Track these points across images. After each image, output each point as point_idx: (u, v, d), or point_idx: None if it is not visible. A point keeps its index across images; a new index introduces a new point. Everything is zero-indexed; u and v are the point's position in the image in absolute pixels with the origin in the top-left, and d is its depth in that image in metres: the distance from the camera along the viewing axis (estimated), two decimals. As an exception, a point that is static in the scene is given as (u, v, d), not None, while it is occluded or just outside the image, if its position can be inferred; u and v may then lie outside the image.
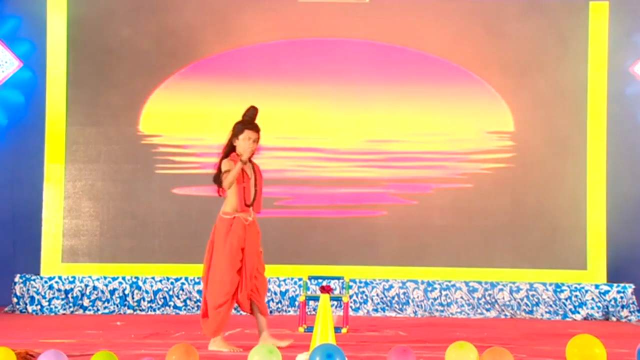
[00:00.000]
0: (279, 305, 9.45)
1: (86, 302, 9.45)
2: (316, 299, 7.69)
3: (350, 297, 9.32)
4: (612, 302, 9.43)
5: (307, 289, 8.45)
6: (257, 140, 6.13)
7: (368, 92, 9.87)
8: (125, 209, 9.80)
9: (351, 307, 9.27)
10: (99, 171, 9.83)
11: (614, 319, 9.40)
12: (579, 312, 9.44)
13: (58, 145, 9.79)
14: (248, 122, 6.17)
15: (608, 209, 9.73)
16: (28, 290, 9.45)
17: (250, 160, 6.20)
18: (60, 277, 9.49)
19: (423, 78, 9.92)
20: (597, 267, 9.66)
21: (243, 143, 6.11)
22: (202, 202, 9.78)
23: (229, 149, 6.19)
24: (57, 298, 9.42)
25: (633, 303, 9.44)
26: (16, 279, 9.51)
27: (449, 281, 9.56)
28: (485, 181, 9.85)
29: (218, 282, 6.07)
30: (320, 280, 9.09)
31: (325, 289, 6.07)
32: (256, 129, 6.14)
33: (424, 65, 9.91)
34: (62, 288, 9.45)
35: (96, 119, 9.85)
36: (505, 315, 9.47)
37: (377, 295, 9.50)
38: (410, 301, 9.49)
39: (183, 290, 9.49)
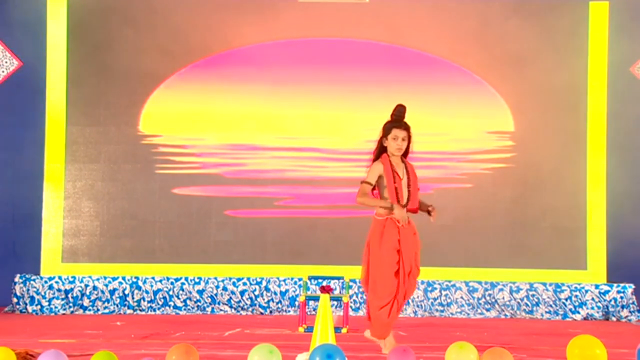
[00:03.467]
0: (279, 305, 9.45)
1: (86, 302, 9.45)
2: (316, 299, 7.69)
3: (350, 297, 9.32)
4: (612, 302, 9.43)
5: (307, 289, 8.45)
6: (406, 139, 6.01)
7: (368, 92, 9.87)
8: (125, 209, 9.80)
9: (351, 307, 9.27)
10: (99, 171, 9.83)
11: (614, 319, 9.40)
12: (579, 312, 9.44)
13: (58, 145, 9.79)
14: (396, 120, 6.03)
15: (608, 209, 9.73)
16: (28, 290, 9.45)
17: (403, 160, 6.08)
18: (60, 277, 9.49)
19: (423, 78, 9.92)
20: (597, 267, 9.65)
21: (392, 142, 6.02)
22: (202, 202, 9.79)
23: (380, 150, 6.11)
24: (57, 298, 9.42)
25: (633, 303, 9.44)
26: (16, 279, 9.51)
27: (449, 281, 9.55)
28: (485, 181, 9.85)
29: (379, 284, 5.92)
30: (320, 280, 9.10)
31: (325, 289, 6.08)
32: (404, 127, 6.01)
33: (424, 65, 9.91)
34: (62, 288, 9.45)
35: (96, 119, 9.85)
36: (505, 315, 9.47)
37: (377, 295, 9.49)
38: (410, 301, 9.49)
39: (183, 290, 9.49)
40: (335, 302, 8.81)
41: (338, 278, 8.35)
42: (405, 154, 6.10)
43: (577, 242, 9.71)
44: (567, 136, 9.84)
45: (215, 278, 9.52)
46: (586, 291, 9.48)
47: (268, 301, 9.46)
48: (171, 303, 9.47)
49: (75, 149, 9.83)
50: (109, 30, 9.87)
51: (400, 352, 4.64)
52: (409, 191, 6.03)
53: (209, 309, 9.45)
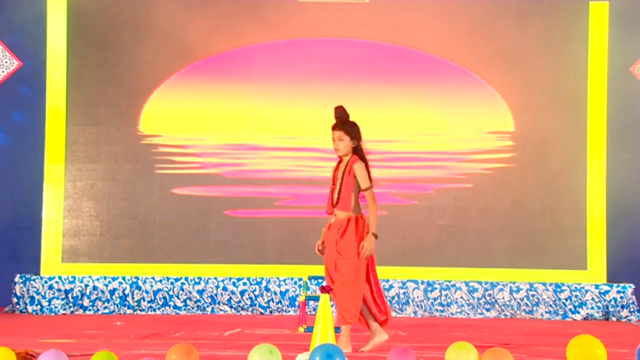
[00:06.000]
0: (279, 305, 9.45)
1: (86, 302, 9.45)
2: (316, 299, 7.69)
3: (350, 297, 9.30)
4: (612, 302, 9.43)
5: (307, 289, 8.45)
6: (342, 138, 6.18)
7: (368, 92, 9.87)
8: (125, 209, 9.80)
9: (351, 307, 9.25)
10: (99, 171, 9.83)
11: (614, 319, 9.40)
12: (579, 312, 9.44)
13: (58, 145, 9.79)
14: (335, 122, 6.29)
15: (608, 209, 9.73)
16: (28, 290, 9.44)
17: (359, 159, 6.21)
18: (60, 277, 9.49)
19: (423, 78, 9.92)
20: (597, 267, 9.65)
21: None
22: (202, 202, 9.79)
23: None
24: (57, 298, 9.42)
25: (633, 303, 9.44)
26: (16, 279, 9.50)
27: (449, 281, 9.55)
28: (485, 181, 9.84)
29: None
30: (320, 280, 9.09)
31: (325, 289, 6.07)
32: (336, 128, 6.23)
33: (424, 65, 9.91)
34: (62, 288, 9.45)
35: (96, 119, 9.85)
36: (505, 315, 9.47)
37: (377, 295, 9.49)
38: (410, 301, 9.49)
39: (183, 290, 9.49)
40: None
41: (338, 278, 8.33)
42: (356, 152, 6.24)
43: (577, 242, 9.70)
44: (567, 136, 9.84)
45: (215, 278, 9.52)
46: (586, 291, 9.48)
47: (268, 301, 9.45)
48: (171, 303, 9.47)
49: (75, 149, 9.83)
50: (109, 30, 9.87)
51: (400, 352, 4.64)
52: (339, 191, 6.17)
53: (209, 309, 9.45)
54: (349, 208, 6.13)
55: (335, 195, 6.16)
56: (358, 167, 6.13)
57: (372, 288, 6.16)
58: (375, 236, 6.05)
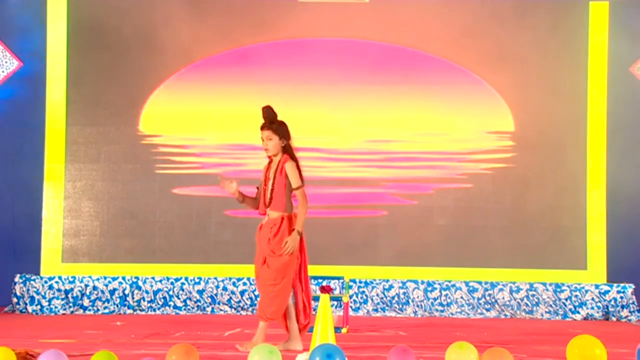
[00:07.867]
0: (279, 305, 9.44)
1: (86, 302, 9.45)
2: (316, 299, 7.69)
3: (350, 297, 9.32)
4: (612, 302, 9.43)
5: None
6: (271, 137, 6.22)
7: (368, 92, 9.87)
8: (125, 209, 9.80)
9: (351, 307, 9.27)
10: (99, 171, 9.83)
11: (614, 319, 9.40)
12: (579, 312, 9.44)
13: (58, 145, 9.79)
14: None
15: (608, 208, 9.73)
16: (28, 290, 9.44)
17: (290, 159, 6.24)
18: (60, 277, 9.49)
19: (423, 78, 9.92)
20: (597, 267, 9.65)
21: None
22: (202, 202, 9.79)
23: None
24: (57, 298, 9.42)
25: (633, 303, 9.44)
26: (16, 279, 9.50)
27: (449, 281, 9.55)
28: (485, 181, 9.85)
29: None
30: (320, 280, 9.09)
31: (325, 289, 6.08)
32: (262, 128, 6.27)
33: (424, 65, 9.91)
34: (62, 288, 9.45)
35: (96, 119, 9.85)
36: (505, 315, 9.47)
37: (377, 295, 9.50)
38: (410, 301, 9.49)
39: (183, 290, 9.49)
40: (335, 302, 8.81)
41: (338, 278, 8.35)
42: (287, 151, 6.28)
43: (577, 242, 9.70)
44: (567, 136, 9.84)
45: (215, 278, 9.52)
46: (586, 291, 9.48)
47: (268, 301, 9.44)
48: (171, 303, 9.47)
49: (75, 149, 9.83)
50: (109, 30, 9.87)
51: (400, 352, 4.64)
52: (271, 190, 6.22)
53: (209, 309, 9.45)
54: (282, 207, 6.21)
55: (268, 195, 6.22)
56: (289, 166, 6.21)
57: (302, 288, 6.20)
58: (300, 234, 6.12)
